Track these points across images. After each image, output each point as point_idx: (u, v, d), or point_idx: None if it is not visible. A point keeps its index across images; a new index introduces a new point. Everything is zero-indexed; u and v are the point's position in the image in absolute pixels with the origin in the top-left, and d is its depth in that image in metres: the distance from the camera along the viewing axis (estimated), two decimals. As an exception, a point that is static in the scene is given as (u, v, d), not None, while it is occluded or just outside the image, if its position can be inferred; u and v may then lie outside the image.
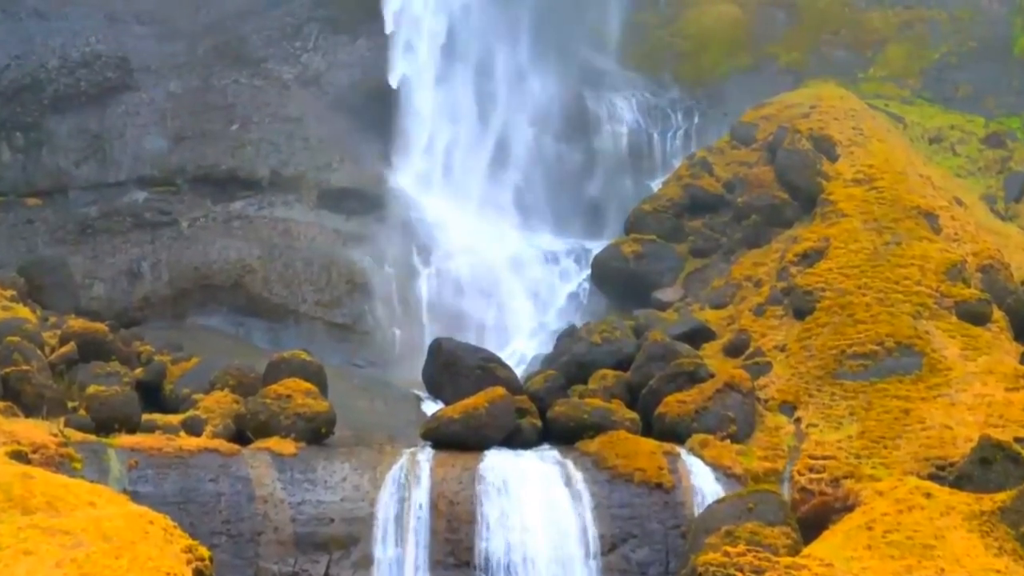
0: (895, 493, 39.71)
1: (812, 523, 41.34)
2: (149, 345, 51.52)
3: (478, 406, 44.29)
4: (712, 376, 46.68)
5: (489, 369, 47.35)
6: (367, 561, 41.21)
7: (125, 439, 41.60)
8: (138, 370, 48.29)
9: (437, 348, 49.08)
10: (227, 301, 59.94)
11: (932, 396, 45.41)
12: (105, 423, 42.34)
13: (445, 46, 68.22)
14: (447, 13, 68.73)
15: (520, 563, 41.09)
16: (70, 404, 44.19)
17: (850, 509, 40.69)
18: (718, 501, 41.67)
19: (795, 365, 47.89)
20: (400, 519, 41.50)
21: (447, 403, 46.47)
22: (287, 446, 42.81)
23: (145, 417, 43.90)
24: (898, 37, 71.70)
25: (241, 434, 43.83)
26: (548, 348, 54.47)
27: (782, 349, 48.98)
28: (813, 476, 42.93)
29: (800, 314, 50.00)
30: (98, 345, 48.22)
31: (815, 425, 45.14)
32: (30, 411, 42.85)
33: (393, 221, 62.56)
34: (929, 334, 47.76)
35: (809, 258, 52.25)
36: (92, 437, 41.30)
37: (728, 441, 44.54)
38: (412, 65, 66.77)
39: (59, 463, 39.46)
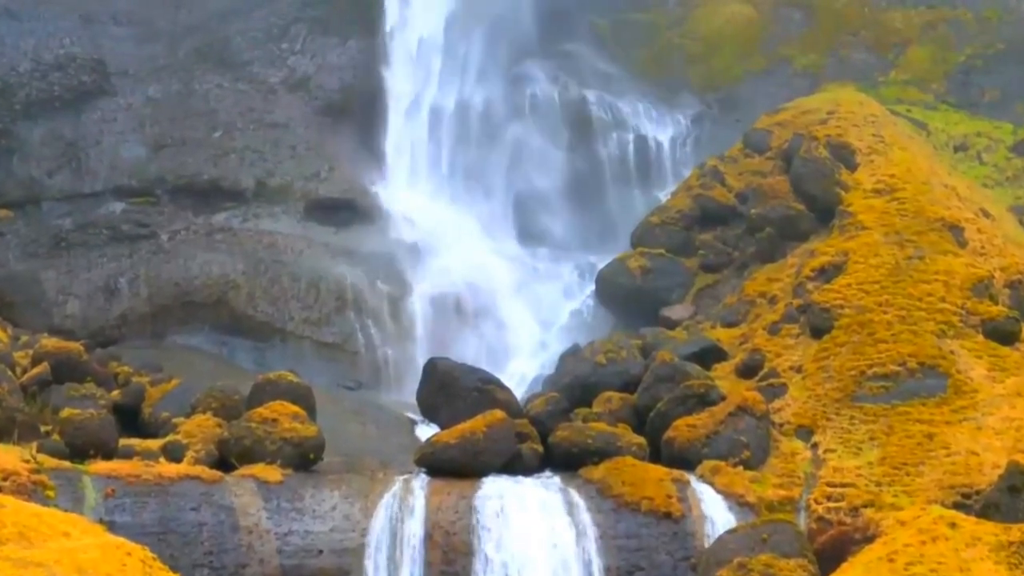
0: (918, 523, 39.77)
1: (830, 555, 41.42)
2: (127, 366, 51.65)
3: (475, 430, 44.36)
4: (724, 399, 46.77)
5: (487, 391, 47.41)
6: (358, 595, 41.39)
7: (101, 465, 41.65)
8: (115, 392, 48.39)
9: (432, 369, 49.15)
10: (209, 319, 60.08)
11: (957, 420, 45.47)
12: (80, 448, 42.42)
13: (442, 48, 68.51)
14: (444, 14, 69.03)
15: (520, 597, 41.29)
16: (43, 428, 44.27)
17: (870, 540, 40.77)
18: (730, 531, 41.76)
19: (812, 387, 47.97)
20: (393, 551, 41.56)
21: (443, 427, 46.56)
22: (273, 473, 42.87)
23: (122, 442, 43.97)
24: (921, 39, 71.91)
25: (224, 460, 43.89)
26: (550, 369, 54.58)
27: (798, 370, 49.06)
28: (831, 505, 43.02)
29: (817, 333, 50.09)
30: (73, 366, 48.33)
31: (833, 451, 45.21)
32: (0, 436, 42.91)
33: (385, 234, 62.72)
34: (954, 354, 47.84)
35: (827, 273, 52.33)
36: (66, 463, 41.35)
37: (741, 467, 44.61)
38: (407, 69, 67.08)
39: (31, 491, 39.51)
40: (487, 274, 62.42)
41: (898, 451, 44.51)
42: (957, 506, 41.52)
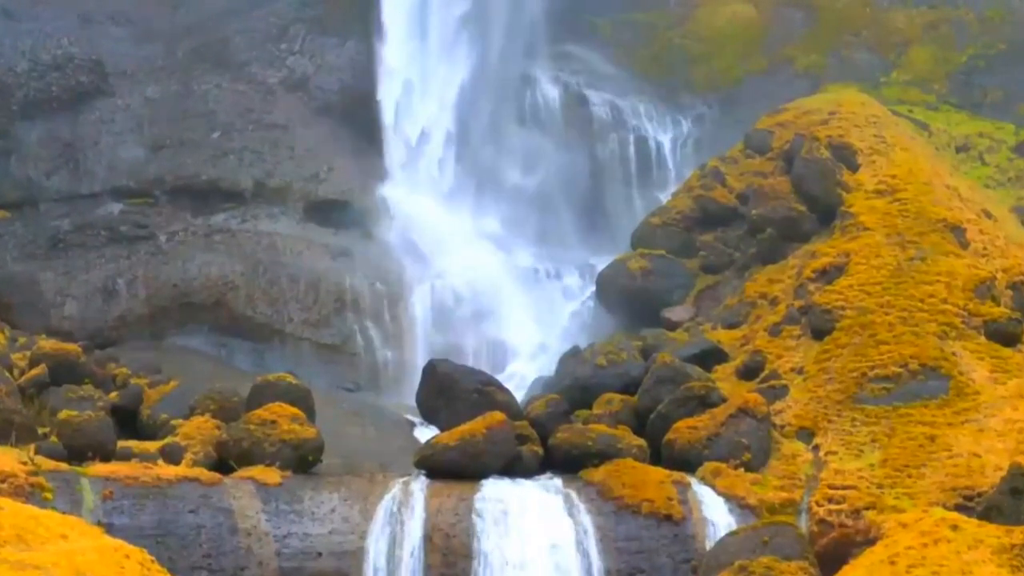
0: (920, 525, 39.81)
1: (831, 557, 41.45)
2: (125, 367, 51.63)
3: (475, 432, 44.39)
4: (725, 400, 46.81)
5: (487, 393, 47.46)
6: (357, 598, 41.45)
7: (99, 468, 41.71)
8: (113, 394, 48.41)
9: (431, 370, 49.20)
10: (208, 320, 60.04)
11: (959, 422, 45.51)
12: (78, 450, 42.44)
13: (440, 48, 68.53)
14: (442, 13, 69.06)
15: (520, 600, 41.33)
16: (41, 430, 44.29)
17: (872, 542, 40.80)
18: (731, 534, 41.81)
19: (813, 389, 48.01)
20: (392, 553, 41.59)
21: (442, 429, 46.60)
22: (272, 475, 42.92)
23: (120, 444, 44.00)
24: (923, 39, 71.93)
25: (223, 462, 43.94)
26: (550, 371, 54.55)
27: (799, 372, 49.10)
28: (832, 507, 43.04)
29: (818, 334, 50.13)
30: (71, 367, 48.38)
31: (835, 453, 45.24)
32: (-2, 438, 43.03)
33: (385, 235, 62.75)
34: (956, 356, 47.87)
35: (828, 274, 52.37)
36: (64, 465, 41.40)
37: (742, 470, 44.66)
38: (405, 69, 67.11)
39: (29, 493, 39.56)
40: (487, 275, 62.44)
41: (900, 453, 44.54)
42: (959, 508, 41.54)
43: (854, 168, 57.78)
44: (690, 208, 59.94)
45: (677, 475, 44.16)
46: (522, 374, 57.77)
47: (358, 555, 41.61)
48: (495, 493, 42.90)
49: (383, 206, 63.47)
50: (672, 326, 55.43)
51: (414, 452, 45.62)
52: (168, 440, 44.88)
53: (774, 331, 51.50)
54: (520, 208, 66.16)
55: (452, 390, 47.74)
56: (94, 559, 35.00)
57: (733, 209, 59.60)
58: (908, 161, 57.84)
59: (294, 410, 44.96)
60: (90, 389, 47.58)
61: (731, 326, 53.64)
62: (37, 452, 41.80)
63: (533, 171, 66.95)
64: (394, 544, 41.67)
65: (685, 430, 45.85)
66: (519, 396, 51.19)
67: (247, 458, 43.60)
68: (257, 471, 43.03)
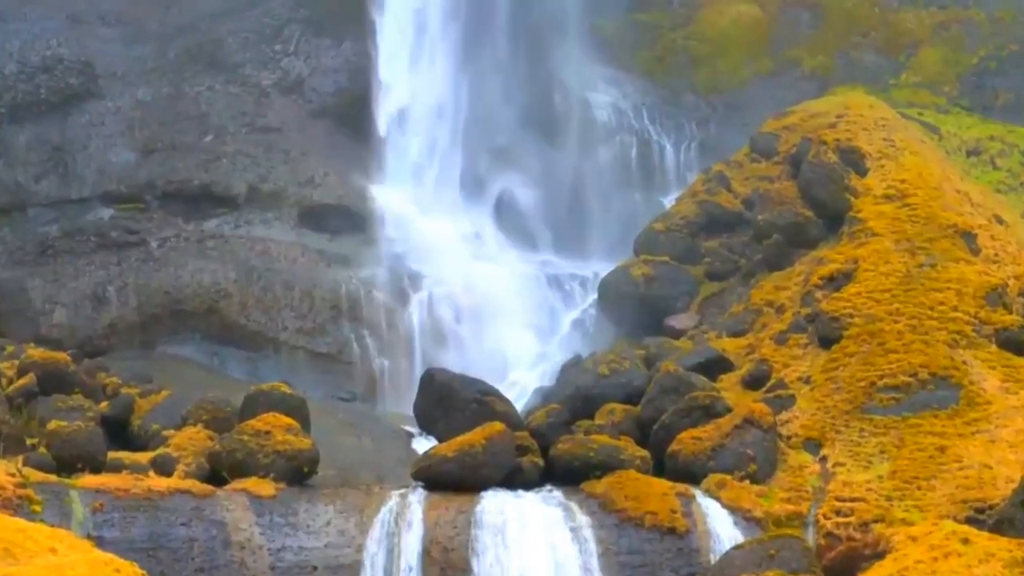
0: (930, 539, 39.80)
1: (839, 571, 41.52)
2: (115, 377, 51.66)
3: (474, 443, 44.42)
4: (730, 410, 46.84)
5: (486, 403, 47.48)
6: (353, 612, 41.48)
7: (89, 479, 41.73)
8: (103, 404, 48.41)
9: (429, 380, 49.24)
10: (200, 328, 60.11)
11: (970, 432, 45.54)
12: (67, 462, 42.44)
13: (438, 49, 68.57)
14: (440, 13, 69.09)
15: (520, 614, 41.38)
16: (29, 441, 44.34)
17: (880, 556, 40.81)
18: (736, 547, 41.83)
19: (820, 398, 48.05)
20: (389, 567, 41.62)
21: (440, 440, 46.63)
22: (266, 487, 42.94)
23: (111, 455, 43.99)
24: (933, 40, 72.04)
25: (216, 474, 43.95)
26: (550, 380, 54.68)
27: (806, 381, 49.14)
28: (840, 520, 43.07)
29: (826, 343, 50.17)
30: (60, 377, 48.37)
31: (842, 464, 45.27)
32: (-15, 449, 43.08)
33: (381, 241, 62.79)
34: (967, 364, 47.92)
35: (836, 281, 52.44)
36: (53, 477, 41.40)
37: (747, 481, 44.69)
38: (402, 71, 67.15)
39: (17, 505, 39.57)
40: (486, 282, 62.47)
41: (909, 464, 44.58)
42: (970, 521, 41.54)
43: (862, 172, 57.85)
44: (694, 213, 60.02)
45: (681, 487, 44.18)
46: (522, 383, 57.82)
47: (354, 569, 41.64)
48: (495, 505, 42.92)
49: (380, 212, 63.50)
50: (676, 334, 55.46)
51: (412, 463, 45.64)
52: (160, 451, 44.89)
53: (780, 339, 51.55)
54: (520, 214, 66.21)
55: (451, 400, 47.77)
56: (84, 573, 35.00)
57: (738, 214, 59.69)
58: (918, 165, 57.91)
59: (289, 420, 44.98)
60: (80, 399, 47.58)
61: (736, 334, 53.68)
62: (25, 463, 41.79)
63: (534, 176, 66.97)
64: (391, 558, 41.70)
65: (689, 441, 45.89)
66: (519, 406, 51.20)
67: (240, 470, 43.61)
68: (251, 483, 43.04)
